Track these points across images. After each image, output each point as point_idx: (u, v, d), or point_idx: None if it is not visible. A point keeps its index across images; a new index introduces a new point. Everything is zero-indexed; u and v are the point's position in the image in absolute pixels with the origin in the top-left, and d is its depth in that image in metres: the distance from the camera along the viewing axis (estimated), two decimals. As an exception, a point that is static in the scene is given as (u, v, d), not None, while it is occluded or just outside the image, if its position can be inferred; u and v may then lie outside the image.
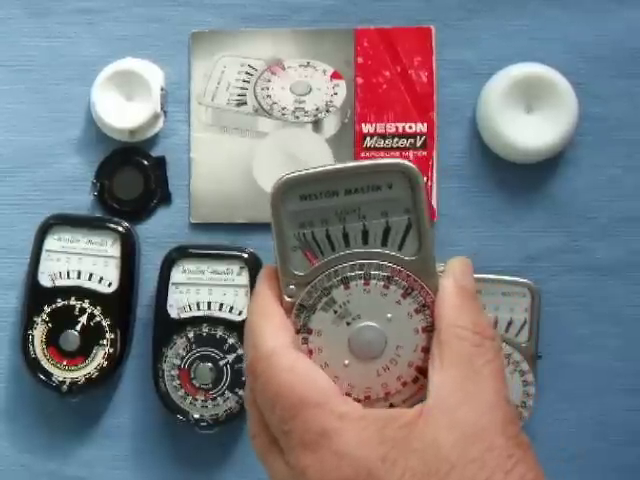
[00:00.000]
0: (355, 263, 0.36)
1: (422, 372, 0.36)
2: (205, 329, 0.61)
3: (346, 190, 0.36)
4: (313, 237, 0.37)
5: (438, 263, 0.37)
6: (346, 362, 0.36)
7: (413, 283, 0.36)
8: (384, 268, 0.36)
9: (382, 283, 0.36)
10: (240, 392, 0.61)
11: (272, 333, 0.36)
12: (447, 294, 0.36)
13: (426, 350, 0.36)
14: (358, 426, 0.33)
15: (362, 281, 0.36)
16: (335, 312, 0.36)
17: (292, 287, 0.37)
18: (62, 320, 0.61)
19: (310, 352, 0.36)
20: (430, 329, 0.36)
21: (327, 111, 0.64)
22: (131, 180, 0.64)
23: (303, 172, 0.37)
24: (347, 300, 0.36)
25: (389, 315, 0.36)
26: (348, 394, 0.36)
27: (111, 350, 0.61)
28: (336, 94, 0.64)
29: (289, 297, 0.37)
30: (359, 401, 0.36)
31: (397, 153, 0.63)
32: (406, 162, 0.36)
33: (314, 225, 0.37)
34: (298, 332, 0.36)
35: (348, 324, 0.36)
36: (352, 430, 0.33)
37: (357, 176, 0.36)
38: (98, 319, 0.61)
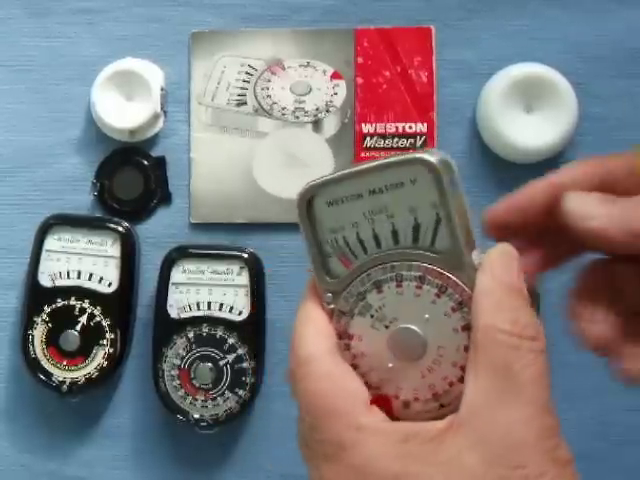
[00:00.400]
0: (386, 265, 0.35)
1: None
2: (205, 329, 0.61)
3: (370, 191, 0.35)
4: (345, 241, 0.36)
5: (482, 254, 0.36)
6: (390, 365, 0.35)
7: (447, 280, 0.35)
8: (415, 268, 0.35)
9: (415, 284, 0.35)
10: (240, 392, 0.61)
11: (311, 339, 0.35)
12: (482, 291, 0.34)
13: (468, 349, 0.35)
14: (375, 440, 0.32)
15: (394, 283, 0.35)
16: (372, 316, 0.36)
17: (329, 294, 0.36)
18: (62, 320, 0.61)
19: (354, 357, 0.36)
20: (470, 327, 0.34)
21: (327, 111, 0.64)
22: (131, 180, 0.64)
23: (325, 177, 0.36)
24: (382, 304, 0.35)
25: (426, 316, 0.35)
26: (396, 396, 0.35)
27: (111, 350, 0.61)
28: (336, 94, 0.64)
29: (328, 304, 0.36)
30: (406, 404, 0.35)
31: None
32: (425, 155, 0.35)
33: (344, 229, 0.36)
34: (340, 338, 0.36)
35: (387, 327, 0.35)
36: (369, 443, 0.32)
37: (378, 175, 0.35)
38: (98, 319, 0.61)
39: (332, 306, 0.36)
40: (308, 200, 0.36)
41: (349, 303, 0.36)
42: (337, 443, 0.33)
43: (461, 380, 0.34)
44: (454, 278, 0.35)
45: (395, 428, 0.33)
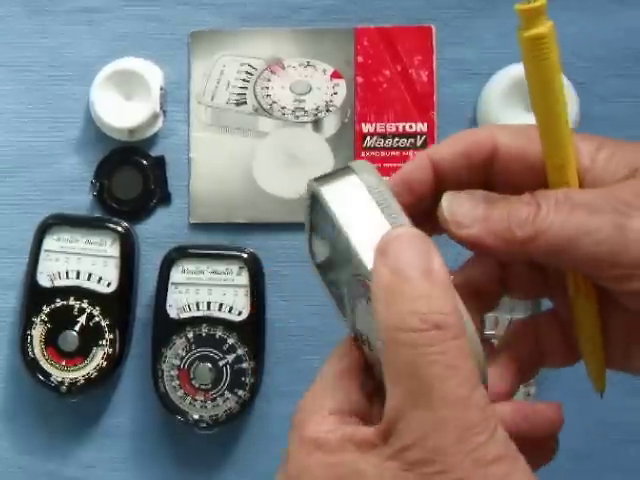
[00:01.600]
0: (351, 281, 0.34)
1: None
2: (205, 329, 0.61)
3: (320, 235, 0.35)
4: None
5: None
6: None
7: (366, 285, 0.32)
8: (359, 282, 0.33)
9: (364, 299, 0.33)
10: (240, 392, 0.61)
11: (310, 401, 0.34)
12: (377, 282, 0.30)
13: None
14: (306, 449, 0.32)
15: (353, 302, 0.34)
16: (364, 343, 0.34)
17: (348, 329, 0.35)
18: (61, 320, 0.61)
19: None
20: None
21: (327, 110, 0.64)
22: (130, 180, 0.64)
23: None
24: (360, 329, 0.34)
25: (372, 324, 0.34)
26: None
27: (110, 350, 0.61)
28: (336, 93, 0.64)
29: (351, 338, 0.35)
30: None
31: (397, 153, 0.63)
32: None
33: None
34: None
35: (372, 349, 0.34)
36: (302, 453, 0.32)
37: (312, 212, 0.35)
38: (97, 319, 0.61)
39: (352, 335, 0.35)
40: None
41: (357, 337, 0.35)
42: (290, 457, 0.32)
43: None
44: (367, 281, 0.32)
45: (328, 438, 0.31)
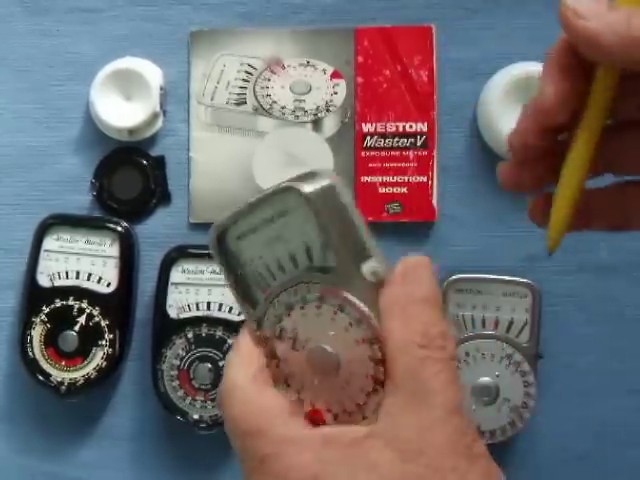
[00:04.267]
0: (290, 289, 0.37)
1: (379, 382, 0.36)
2: (204, 329, 0.61)
3: (264, 221, 0.37)
4: (257, 271, 0.38)
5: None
6: (315, 382, 0.37)
7: (342, 298, 0.36)
8: (313, 289, 0.37)
9: (315, 304, 0.37)
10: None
11: (235, 368, 0.37)
12: (387, 304, 0.35)
13: (374, 360, 0.36)
14: (295, 448, 0.34)
15: (299, 305, 0.37)
16: (290, 339, 0.37)
17: (255, 322, 0.38)
18: (61, 320, 0.61)
19: (286, 377, 0.37)
20: (371, 340, 0.36)
21: (327, 110, 0.64)
22: (130, 180, 0.64)
23: (228, 215, 0.38)
24: (295, 327, 0.37)
25: (331, 333, 0.37)
26: (328, 410, 0.36)
27: (110, 350, 0.61)
28: (336, 93, 0.64)
29: (255, 332, 0.38)
30: (336, 416, 0.36)
31: (397, 153, 0.63)
32: (295, 184, 0.37)
33: (254, 260, 0.38)
34: (272, 360, 0.37)
35: (303, 347, 0.37)
36: (289, 452, 0.34)
37: (265, 206, 0.37)
38: (97, 319, 0.61)
39: (258, 333, 0.38)
40: (218, 237, 0.38)
41: (270, 329, 0.37)
42: (259, 458, 0.34)
43: (375, 392, 0.36)
44: (346, 294, 0.36)
45: (313, 434, 0.35)
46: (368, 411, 0.36)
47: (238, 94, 0.64)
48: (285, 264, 0.37)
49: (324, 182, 0.37)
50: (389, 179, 0.63)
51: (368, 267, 0.36)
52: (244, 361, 0.37)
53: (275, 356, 0.37)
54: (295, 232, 0.37)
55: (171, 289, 0.61)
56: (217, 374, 0.60)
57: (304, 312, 0.37)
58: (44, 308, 0.61)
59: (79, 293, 0.61)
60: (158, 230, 0.64)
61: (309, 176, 0.37)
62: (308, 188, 0.36)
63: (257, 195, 0.38)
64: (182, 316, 0.61)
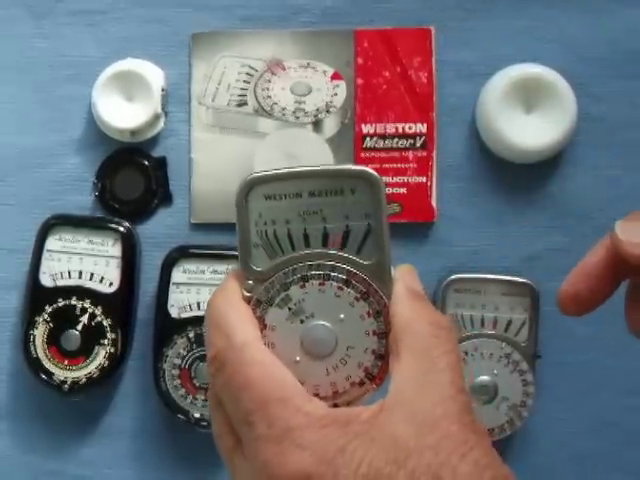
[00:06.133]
0: (313, 263, 0.37)
1: (369, 376, 0.37)
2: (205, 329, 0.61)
3: (310, 192, 0.38)
4: (275, 235, 0.38)
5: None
6: (297, 359, 0.37)
7: (368, 287, 0.37)
8: (341, 270, 0.37)
9: (338, 285, 0.37)
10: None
11: (243, 325, 0.37)
12: (400, 296, 0.37)
13: (376, 354, 0.37)
14: (321, 423, 0.35)
15: (318, 281, 0.37)
16: (290, 309, 0.37)
17: (250, 282, 0.38)
18: (63, 320, 0.61)
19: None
20: (381, 334, 0.37)
21: (327, 112, 0.64)
22: (132, 180, 0.64)
23: (269, 172, 0.38)
24: (302, 298, 0.37)
25: (342, 316, 0.37)
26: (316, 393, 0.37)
27: (112, 350, 0.61)
28: (336, 95, 0.64)
29: (247, 292, 0.38)
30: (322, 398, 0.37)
31: (397, 153, 0.64)
32: (369, 169, 0.37)
33: (276, 224, 0.38)
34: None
35: (302, 322, 0.37)
36: (315, 426, 0.34)
37: (321, 179, 0.38)
38: (99, 319, 0.61)
39: (250, 294, 0.38)
40: (248, 190, 0.38)
41: (269, 293, 0.37)
42: (283, 427, 0.34)
43: (361, 383, 0.37)
44: (375, 286, 0.37)
45: (337, 414, 0.35)
46: (341, 400, 0.37)
47: (239, 95, 0.64)
48: (313, 239, 0.38)
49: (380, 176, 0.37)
50: (389, 180, 0.63)
51: (392, 270, 0.38)
52: (248, 321, 0.37)
53: (262, 322, 0.37)
54: (340, 214, 0.37)
55: (172, 289, 0.62)
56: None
57: (322, 289, 0.37)
58: (47, 308, 0.61)
59: (81, 293, 0.61)
60: (159, 230, 0.64)
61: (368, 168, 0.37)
62: (379, 179, 0.37)
63: (309, 166, 0.38)
64: (183, 316, 0.61)
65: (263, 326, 0.37)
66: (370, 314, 0.37)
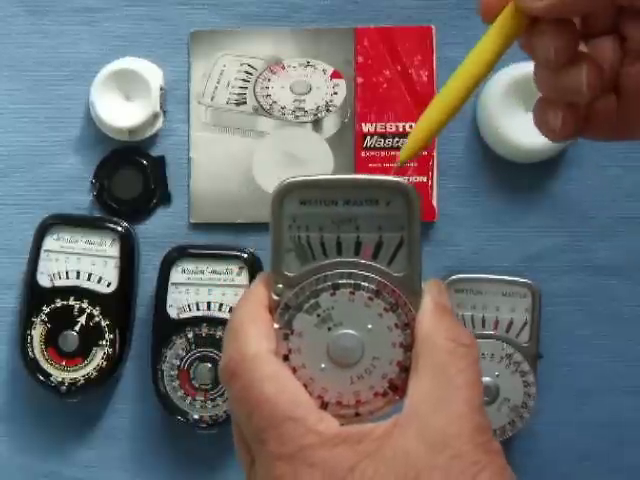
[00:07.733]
0: (345, 272, 0.37)
1: (393, 387, 0.37)
2: (204, 329, 0.61)
3: (345, 200, 0.38)
4: (308, 241, 0.38)
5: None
6: (322, 366, 0.37)
7: (398, 299, 0.37)
8: (372, 281, 0.37)
9: (368, 295, 0.37)
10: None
11: (259, 338, 0.37)
12: (426, 310, 0.38)
13: (401, 366, 0.37)
14: (332, 442, 0.35)
15: (349, 290, 0.37)
16: (318, 316, 0.37)
17: (280, 286, 0.38)
18: (61, 320, 0.61)
19: (289, 351, 0.37)
20: (407, 347, 0.37)
21: (327, 110, 0.64)
22: (130, 180, 0.64)
23: (306, 178, 0.38)
24: (332, 306, 0.37)
25: (370, 326, 0.37)
26: (321, 397, 0.37)
27: (110, 350, 0.61)
28: (336, 93, 0.64)
29: (277, 295, 0.38)
30: (326, 405, 0.37)
31: (397, 153, 0.63)
32: (406, 182, 0.38)
33: (310, 230, 0.38)
34: (280, 329, 0.37)
35: (329, 329, 0.37)
36: (327, 445, 0.35)
37: (357, 188, 0.38)
38: (97, 319, 0.61)
39: (278, 298, 0.38)
40: (284, 194, 0.38)
41: (299, 298, 0.38)
42: (296, 446, 0.35)
43: (384, 394, 0.37)
44: (404, 298, 0.37)
45: (349, 432, 0.35)
46: (364, 409, 0.37)
47: (238, 94, 0.64)
48: (345, 247, 0.38)
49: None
50: (389, 179, 0.63)
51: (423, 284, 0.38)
52: (265, 334, 0.37)
53: (285, 327, 0.37)
54: (374, 224, 0.38)
55: (171, 289, 0.61)
56: (217, 374, 0.60)
57: (352, 298, 0.37)
58: (44, 308, 0.61)
59: (79, 293, 0.61)
60: (158, 230, 0.64)
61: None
62: (415, 193, 0.37)
63: (347, 174, 0.39)
64: (182, 316, 0.61)
65: (290, 331, 0.37)
66: (398, 326, 0.37)
